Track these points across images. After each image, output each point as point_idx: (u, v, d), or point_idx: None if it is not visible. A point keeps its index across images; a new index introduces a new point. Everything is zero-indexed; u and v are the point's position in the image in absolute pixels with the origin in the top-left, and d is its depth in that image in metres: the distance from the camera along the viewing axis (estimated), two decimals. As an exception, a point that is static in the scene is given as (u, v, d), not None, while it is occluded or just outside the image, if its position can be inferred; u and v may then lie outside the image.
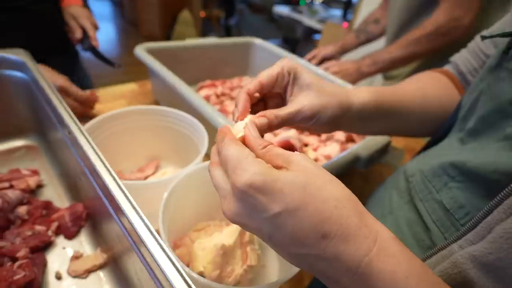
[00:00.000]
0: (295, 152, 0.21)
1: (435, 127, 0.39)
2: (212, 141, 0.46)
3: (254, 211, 0.19)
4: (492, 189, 0.24)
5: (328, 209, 0.18)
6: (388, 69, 0.82)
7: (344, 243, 0.18)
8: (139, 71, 1.05)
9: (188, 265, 0.39)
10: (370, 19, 1.03)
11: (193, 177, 0.39)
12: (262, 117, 0.27)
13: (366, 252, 0.18)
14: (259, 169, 0.19)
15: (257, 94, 0.28)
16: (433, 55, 0.79)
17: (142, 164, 0.55)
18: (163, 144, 0.55)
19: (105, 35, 3.17)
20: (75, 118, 0.38)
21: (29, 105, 0.52)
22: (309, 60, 1.03)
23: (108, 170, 0.32)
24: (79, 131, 0.36)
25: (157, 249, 0.25)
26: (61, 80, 0.59)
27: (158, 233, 0.29)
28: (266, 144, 0.22)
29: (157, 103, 0.75)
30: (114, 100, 0.74)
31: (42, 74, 0.47)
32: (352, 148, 0.49)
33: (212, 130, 0.49)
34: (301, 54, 0.98)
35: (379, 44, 1.01)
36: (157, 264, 0.24)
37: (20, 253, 0.35)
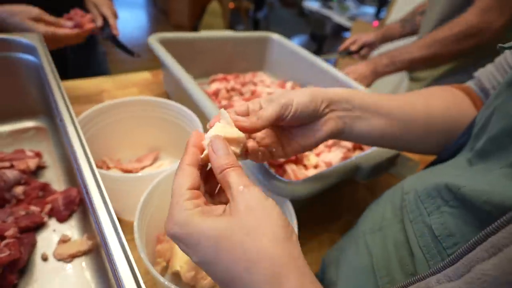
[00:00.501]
0: (246, 187, 0.21)
1: (439, 146, 0.35)
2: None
3: (184, 250, 0.21)
4: (483, 221, 0.21)
5: (237, 271, 0.18)
6: (406, 70, 0.76)
7: None
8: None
9: (168, 262, 0.38)
10: (418, 10, 0.95)
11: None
12: (243, 121, 0.27)
13: None
14: (182, 219, 0.20)
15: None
16: (465, 60, 0.72)
17: (142, 153, 0.56)
18: (164, 136, 0.55)
19: (137, 22, 3.26)
20: (70, 106, 0.39)
21: (39, 87, 0.54)
22: (349, 46, 0.99)
23: (90, 162, 0.32)
24: (70, 119, 0.36)
25: (117, 249, 0.24)
26: (36, 11, 0.58)
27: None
28: (226, 167, 0.22)
29: (166, 94, 0.75)
30: (125, 88, 0.74)
31: (49, 59, 0.48)
32: (354, 157, 0.46)
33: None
34: (330, 47, 0.94)
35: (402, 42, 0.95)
36: (115, 267, 0.24)
37: (9, 232, 0.36)
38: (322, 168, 0.52)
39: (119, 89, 0.73)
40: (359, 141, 0.35)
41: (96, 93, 0.71)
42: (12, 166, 0.43)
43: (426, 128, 0.34)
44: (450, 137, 0.36)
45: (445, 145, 0.37)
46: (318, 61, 0.76)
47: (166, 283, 0.27)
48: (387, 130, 0.33)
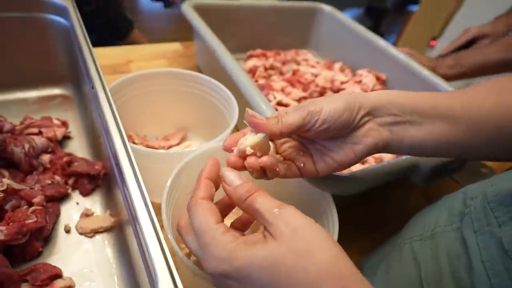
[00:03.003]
0: (280, 209, 0.23)
1: None
2: (243, 118, 0.47)
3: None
4: None
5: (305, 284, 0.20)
6: (474, 75, 0.71)
7: None
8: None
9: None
10: None
11: (214, 153, 0.41)
12: (261, 119, 0.28)
13: None
14: (227, 254, 0.22)
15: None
16: None
17: (169, 131, 0.59)
18: (192, 113, 0.57)
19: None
20: (101, 74, 0.42)
21: (68, 53, 0.59)
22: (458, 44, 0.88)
23: (121, 134, 0.35)
24: (102, 87, 0.40)
25: (149, 229, 0.27)
26: None
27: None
28: (247, 195, 0.24)
29: (198, 68, 0.78)
30: (153, 59, 0.78)
31: (81, 22, 0.52)
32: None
33: (247, 106, 0.49)
34: (385, 31, 0.91)
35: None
36: (146, 245, 0.26)
37: (36, 199, 0.40)
38: (371, 163, 0.52)
39: (147, 60, 0.77)
40: (411, 152, 0.33)
41: (122, 63, 0.76)
42: (40, 133, 0.48)
43: (499, 131, 0.31)
44: None
45: None
46: (377, 39, 0.74)
47: (193, 267, 0.30)
48: (447, 136, 0.31)
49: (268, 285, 0.21)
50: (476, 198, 0.30)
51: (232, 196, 0.25)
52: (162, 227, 0.29)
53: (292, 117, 0.28)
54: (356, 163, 0.31)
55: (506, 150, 0.33)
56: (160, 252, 0.26)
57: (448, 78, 0.71)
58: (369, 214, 0.56)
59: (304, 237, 0.21)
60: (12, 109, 0.57)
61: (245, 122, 0.29)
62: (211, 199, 0.26)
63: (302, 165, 0.31)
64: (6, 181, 0.39)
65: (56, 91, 0.62)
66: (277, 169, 0.29)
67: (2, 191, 0.38)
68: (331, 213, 0.37)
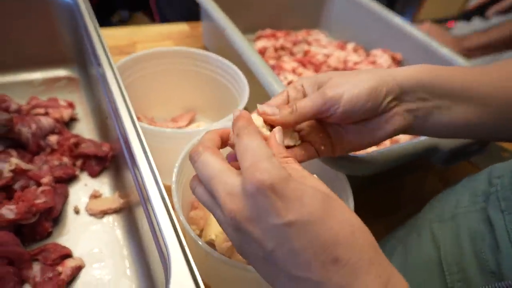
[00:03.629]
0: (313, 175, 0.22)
1: None
2: (254, 100, 0.46)
3: (264, 215, 0.19)
4: None
5: (345, 232, 0.19)
6: (502, 50, 0.68)
7: (353, 276, 0.18)
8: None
9: (201, 230, 0.41)
10: None
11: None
12: (273, 115, 0.27)
13: None
14: (281, 172, 0.19)
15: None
16: None
17: (177, 113, 0.58)
18: (201, 94, 0.57)
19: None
20: (108, 52, 0.41)
21: (73, 33, 0.58)
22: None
23: (131, 115, 0.34)
24: (109, 66, 0.39)
25: (161, 208, 0.27)
26: None
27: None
28: (287, 155, 0.23)
29: (205, 49, 0.77)
30: (159, 40, 0.77)
31: (86, 0, 0.51)
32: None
33: (258, 88, 0.48)
34: (399, 11, 0.88)
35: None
36: (158, 224, 0.26)
37: (45, 180, 0.41)
38: (386, 144, 0.51)
39: (153, 41, 0.76)
40: (434, 134, 0.31)
41: (128, 44, 0.75)
42: (47, 114, 0.48)
43: None
44: None
45: None
46: (393, 17, 0.72)
47: (205, 247, 0.30)
48: (474, 119, 0.29)
49: (318, 213, 0.19)
50: (503, 176, 0.29)
51: (275, 148, 0.24)
52: (173, 208, 0.29)
53: (308, 106, 0.27)
54: (373, 145, 0.30)
55: None
56: (173, 233, 0.26)
57: (475, 51, 0.69)
58: (384, 198, 0.56)
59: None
60: (17, 91, 0.57)
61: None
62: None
63: (322, 147, 0.30)
64: (14, 160, 0.39)
65: (61, 72, 0.62)
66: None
67: (11, 171, 0.38)
68: (346, 194, 0.37)
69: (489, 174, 0.31)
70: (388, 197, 0.56)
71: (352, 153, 0.38)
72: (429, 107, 0.28)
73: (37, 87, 0.59)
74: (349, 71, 0.29)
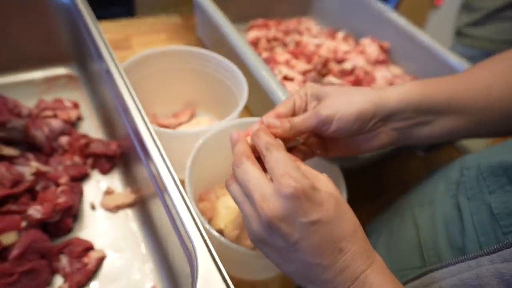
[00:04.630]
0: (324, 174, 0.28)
1: None
2: (251, 95, 0.50)
3: (294, 215, 0.24)
4: None
5: (349, 229, 0.25)
6: None
7: (353, 259, 0.24)
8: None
9: (209, 221, 0.46)
10: None
11: (228, 132, 0.44)
12: (275, 128, 0.31)
13: (366, 268, 0.25)
14: (308, 182, 0.24)
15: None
16: None
17: (177, 109, 0.62)
18: (201, 90, 0.60)
19: None
20: (111, 50, 0.44)
21: (70, 31, 0.60)
22: None
23: (141, 114, 0.38)
24: (117, 70, 0.42)
25: (179, 200, 0.31)
26: None
27: (183, 184, 0.35)
28: (296, 159, 0.29)
29: (200, 41, 0.79)
30: (152, 33, 0.79)
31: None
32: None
33: (253, 82, 0.52)
34: None
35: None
36: (178, 214, 0.30)
37: (62, 180, 0.44)
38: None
39: (147, 34, 0.78)
40: (417, 143, 0.36)
41: (122, 38, 0.77)
42: (55, 116, 0.51)
43: (507, 114, 0.34)
44: None
45: None
46: (376, 3, 0.75)
47: (218, 236, 0.34)
48: (454, 128, 0.34)
49: (332, 215, 0.24)
50: (471, 168, 0.34)
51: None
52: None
53: (304, 124, 0.32)
54: (362, 154, 0.36)
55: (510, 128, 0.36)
56: (193, 222, 0.30)
57: None
58: (374, 182, 0.61)
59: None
60: (20, 91, 0.59)
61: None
62: None
63: (318, 151, 0.35)
64: (34, 164, 0.42)
65: (61, 70, 0.64)
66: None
67: (32, 174, 0.41)
68: (340, 183, 0.41)
69: (461, 165, 0.36)
70: (377, 181, 0.62)
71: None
72: (413, 123, 0.33)
73: (39, 86, 0.61)
74: (345, 88, 0.33)
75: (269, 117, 0.31)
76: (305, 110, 0.34)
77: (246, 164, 0.27)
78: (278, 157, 0.26)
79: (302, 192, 0.24)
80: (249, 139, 0.32)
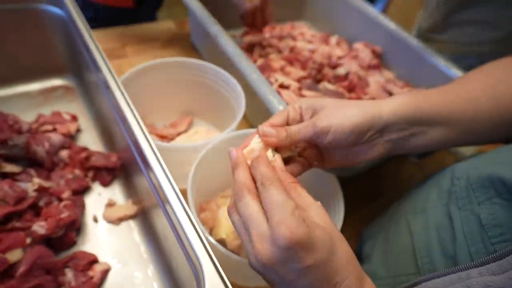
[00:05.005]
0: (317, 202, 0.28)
1: (510, 133, 0.38)
2: (249, 104, 0.51)
3: (289, 262, 0.25)
4: None
5: (342, 262, 0.26)
6: None
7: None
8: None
9: (211, 230, 0.47)
10: None
11: (227, 143, 0.45)
12: (270, 137, 0.33)
13: None
14: (303, 229, 0.25)
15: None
16: None
17: (175, 118, 0.63)
18: (198, 100, 0.61)
19: None
20: (109, 65, 0.45)
21: (65, 43, 0.61)
22: None
23: (141, 127, 0.39)
24: (115, 82, 0.43)
25: (180, 210, 0.32)
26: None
27: (184, 194, 0.37)
28: (293, 181, 0.29)
29: (194, 48, 0.80)
30: (146, 40, 0.80)
31: (78, 11, 0.53)
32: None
33: (250, 90, 0.53)
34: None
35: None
36: (180, 225, 0.31)
37: (65, 194, 0.45)
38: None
39: (142, 42, 0.79)
40: (411, 153, 0.38)
41: (117, 47, 0.77)
42: (55, 130, 0.52)
43: (494, 123, 0.36)
44: None
45: None
46: (372, 10, 0.77)
47: (221, 248, 0.36)
48: (445, 138, 0.36)
49: (326, 256, 0.25)
50: (461, 178, 0.36)
51: (282, 177, 0.29)
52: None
53: (300, 134, 0.33)
54: (358, 165, 0.37)
55: (501, 135, 0.38)
56: (195, 233, 0.31)
57: None
58: (369, 186, 0.63)
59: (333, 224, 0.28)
60: (17, 104, 0.60)
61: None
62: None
63: (315, 163, 0.36)
64: (36, 180, 0.43)
65: (57, 82, 0.65)
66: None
67: (35, 190, 0.42)
68: (336, 189, 0.43)
69: (452, 174, 0.38)
70: (372, 185, 0.63)
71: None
72: (407, 134, 0.35)
73: (35, 98, 0.62)
74: (341, 101, 0.35)
75: (265, 126, 0.33)
76: (299, 122, 0.35)
77: (247, 198, 0.28)
78: (273, 198, 0.26)
79: (297, 243, 0.24)
80: (245, 151, 0.33)
